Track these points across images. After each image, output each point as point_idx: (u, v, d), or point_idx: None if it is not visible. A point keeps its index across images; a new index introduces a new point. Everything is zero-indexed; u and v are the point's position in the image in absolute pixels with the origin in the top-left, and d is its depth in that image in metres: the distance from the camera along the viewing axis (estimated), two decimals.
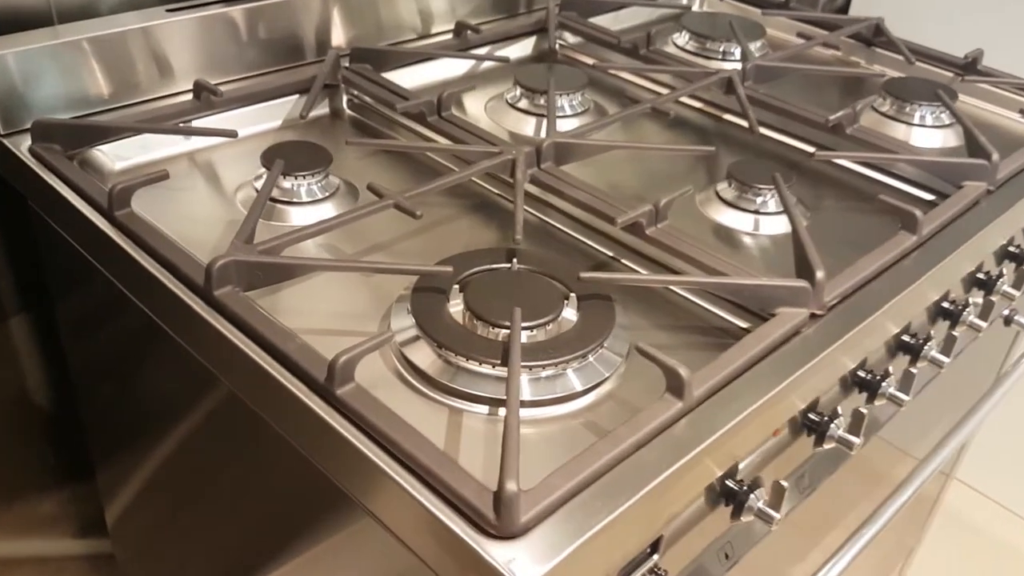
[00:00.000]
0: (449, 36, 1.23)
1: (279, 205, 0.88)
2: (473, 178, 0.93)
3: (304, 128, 1.04)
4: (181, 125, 0.97)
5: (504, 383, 0.67)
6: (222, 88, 0.99)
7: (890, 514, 0.87)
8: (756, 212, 0.92)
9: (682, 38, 1.30)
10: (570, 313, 0.72)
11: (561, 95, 1.06)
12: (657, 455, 0.60)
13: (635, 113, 1.02)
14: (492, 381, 0.67)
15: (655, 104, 1.00)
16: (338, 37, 1.14)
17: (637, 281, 0.73)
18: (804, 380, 0.69)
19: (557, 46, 1.26)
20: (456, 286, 0.73)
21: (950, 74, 1.25)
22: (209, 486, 0.85)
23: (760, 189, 0.92)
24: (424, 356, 0.69)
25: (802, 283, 0.72)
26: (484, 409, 0.66)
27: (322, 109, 1.07)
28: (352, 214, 0.77)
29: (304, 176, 0.88)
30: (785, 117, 1.08)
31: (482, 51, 1.21)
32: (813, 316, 0.74)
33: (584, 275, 0.71)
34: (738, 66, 1.18)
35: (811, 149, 1.07)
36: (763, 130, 1.10)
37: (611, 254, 0.85)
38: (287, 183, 0.88)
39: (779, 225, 0.91)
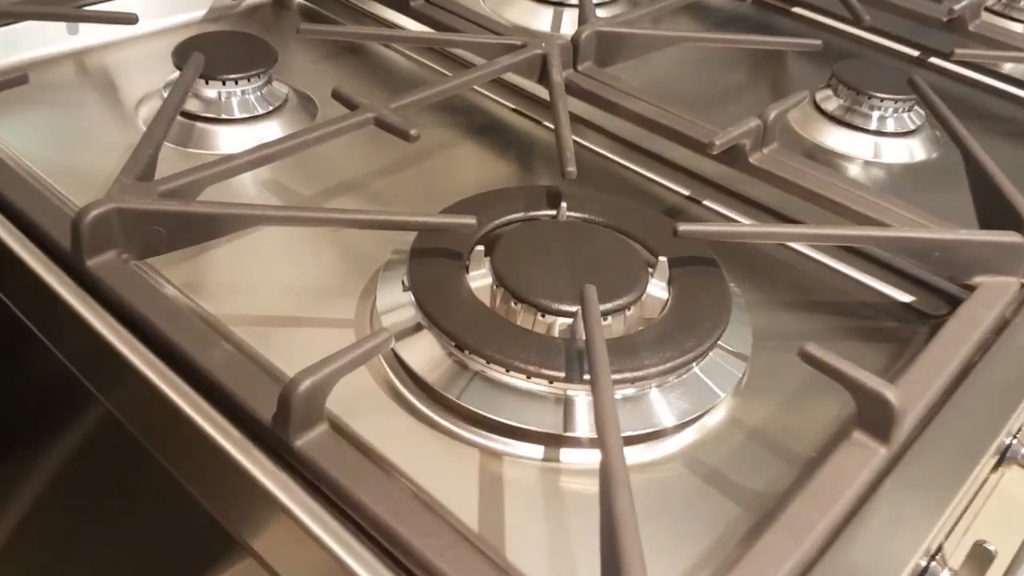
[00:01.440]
0: None
1: (200, 124, 0.60)
2: (476, 86, 0.66)
3: (238, 19, 0.76)
4: (62, 10, 0.67)
5: (563, 408, 0.41)
6: None
7: None
8: (877, 132, 0.66)
9: None
10: (658, 288, 0.46)
11: None
12: (867, 548, 0.34)
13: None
14: (545, 405, 0.41)
15: None
16: None
17: (772, 237, 0.47)
18: None
19: None
20: (479, 247, 0.46)
21: None
22: (95, 521, 0.59)
23: (881, 100, 0.66)
24: (430, 360, 0.42)
25: (1016, 238, 0.47)
26: (533, 452, 0.41)
27: None
28: (312, 134, 0.50)
29: (236, 80, 0.60)
30: (880, 9, 0.81)
31: None
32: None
33: (683, 227, 0.45)
34: None
35: (913, 52, 0.81)
36: (841, 26, 0.83)
37: (687, 193, 0.58)
38: (211, 91, 0.60)
39: (900, 152, 0.66)
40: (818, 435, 0.42)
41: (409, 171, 0.59)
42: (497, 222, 0.49)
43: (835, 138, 0.66)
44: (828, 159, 0.65)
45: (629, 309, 0.44)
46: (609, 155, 0.62)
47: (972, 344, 0.42)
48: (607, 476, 0.33)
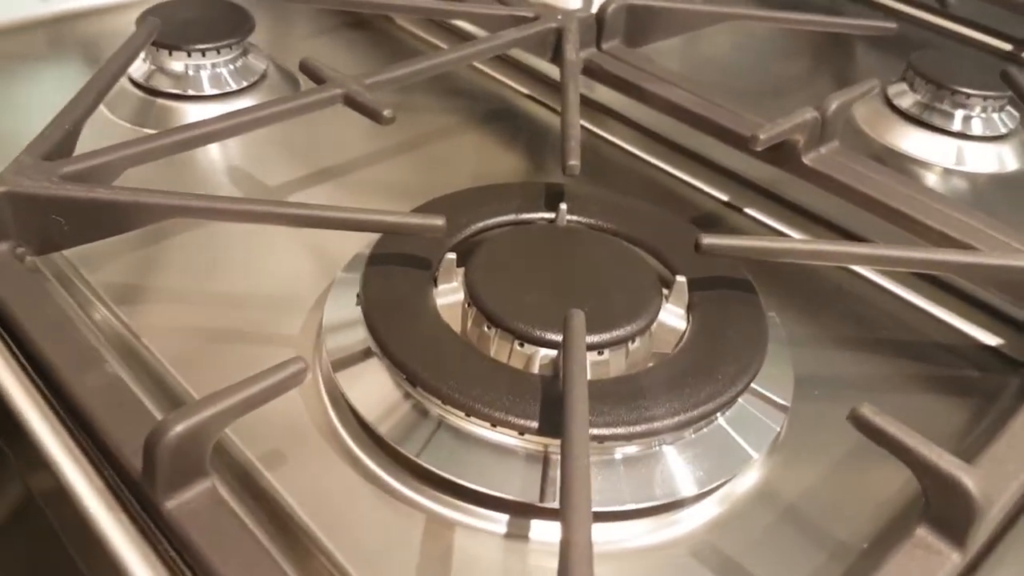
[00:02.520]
0: None
1: (163, 100, 0.52)
2: (478, 64, 0.57)
3: None
4: None
5: (540, 468, 0.31)
6: None
7: None
8: (960, 135, 0.55)
9: None
10: (674, 316, 0.37)
11: None
12: None
13: None
14: (515, 463, 0.32)
15: None
16: None
17: (820, 256, 0.36)
18: None
19: None
20: (451, 255, 0.37)
21: None
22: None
23: (967, 96, 0.55)
24: (376, 395, 0.34)
25: None
26: (498, 523, 0.31)
27: None
28: (263, 111, 0.41)
29: (204, 52, 0.52)
30: None
31: None
32: None
33: (707, 240, 0.35)
34: None
35: (1005, 46, 0.70)
36: (921, 14, 0.73)
37: (726, 199, 0.49)
38: (177, 63, 0.53)
39: (988, 159, 0.55)
40: (873, 519, 0.32)
41: (402, 160, 0.51)
42: (480, 225, 0.40)
43: (910, 140, 0.56)
44: (901, 165, 0.54)
45: (633, 341, 0.34)
46: (635, 151, 0.52)
47: None
48: (567, 564, 0.24)
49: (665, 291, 0.37)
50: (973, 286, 0.41)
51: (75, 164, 0.36)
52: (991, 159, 0.55)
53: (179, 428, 0.26)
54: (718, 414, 0.33)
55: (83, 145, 0.40)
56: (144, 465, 0.27)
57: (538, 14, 0.51)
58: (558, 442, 0.31)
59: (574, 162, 0.39)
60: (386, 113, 0.41)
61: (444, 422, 0.32)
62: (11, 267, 0.35)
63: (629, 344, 0.34)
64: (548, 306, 0.34)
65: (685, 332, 0.36)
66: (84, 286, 0.39)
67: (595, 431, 0.31)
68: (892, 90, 0.58)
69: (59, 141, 0.38)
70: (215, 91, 0.53)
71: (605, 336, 0.34)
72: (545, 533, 0.31)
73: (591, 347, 0.34)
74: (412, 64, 0.45)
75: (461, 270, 0.37)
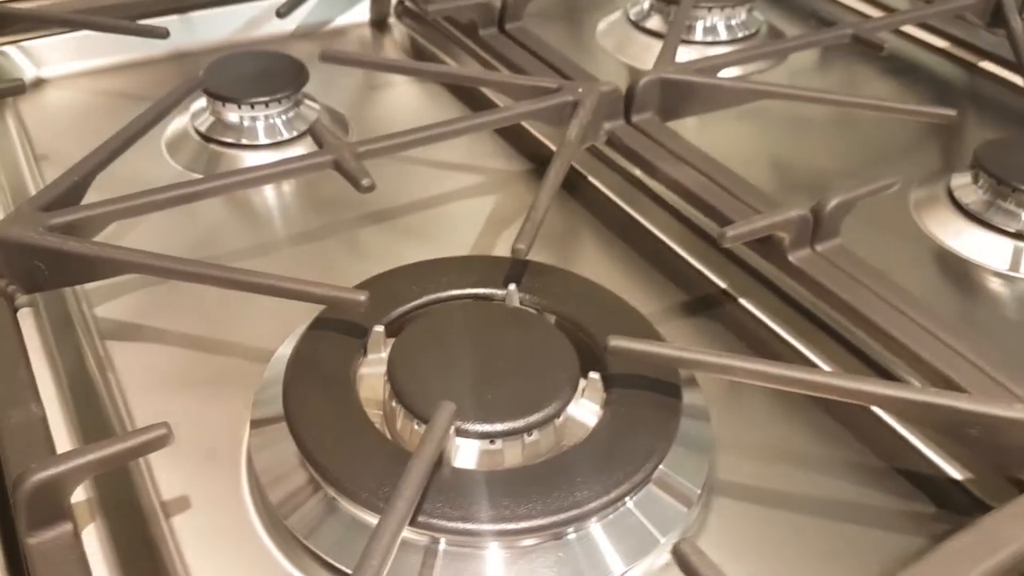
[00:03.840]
0: None
1: (214, 147, 0.57)
2: (526, 124, 0.58)
3: (327, 39, 0.72)
4: (85, 18, 0.62)
5: (421, 558, 0.32)
6: None
7: None
8: (1019, 236, 0.50)
9: None
10: (585, 411, 0.36)
11: (711, 7, 0.68)
12: None
13: (820, 42, 0.62)
14: (409, 551, 0.32)
15: (858, 31, 0.59)
16: None
17: (729, 372, 0.34)
18: None
19: None
20: (379, 328, 0.38)
21: None
22: None
23: None
24: (276, 460, 0.35)
25: None
26: None
27: (359, 14, 0.74)
28: (248, 175, 0.44)
29: (254, 104, 0.56)
30: None
31: None
32: None
33: (614, 342, 0.34)
34: None
35: None
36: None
37: (724, 285, 0.47)
38: (232, 114, 0.57)
39: None
40: None
41: (420, 215, 0.52)
42: (430, 297, 0.40)
43: (965, 240, 0.51)
44: (954, 266, 0.50)
45: (530, 434, 0.34)
46: (650, 226, 0.51)
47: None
48: None
49: (583, 381, 0.36)
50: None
51: (65, 216, 0.40)
52: None
53: (35, 478, 0.29)
54: (611, 510, 0.33)
55: (139, 186, 0.43)
56: (11, 505, 0.30)
57: (561, 86, 0.51)
58: (440, 535, 0.32)
59: (521, 246, 0.39)
60: (364, 182, 0.43)
61: (326, 495, 0.33)
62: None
63: (525, 436, 0.34)
64: (455, 388, 0.35)
65: (594, 429, 0.35)
66: (80, 321, 0.43)
67: (443, 523, 0.31)
68: (955, 180, 0.53)
69: (64, 192, 0.42)
70: (268, 140, 0.57)
71: (498, 426, 0.34)
72: None
73: (484, 435, 0.34)
74: (408, 135, 0.46)
75: (391, 341, 0.38)
